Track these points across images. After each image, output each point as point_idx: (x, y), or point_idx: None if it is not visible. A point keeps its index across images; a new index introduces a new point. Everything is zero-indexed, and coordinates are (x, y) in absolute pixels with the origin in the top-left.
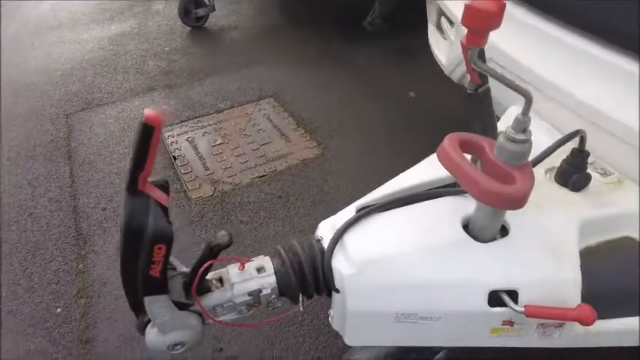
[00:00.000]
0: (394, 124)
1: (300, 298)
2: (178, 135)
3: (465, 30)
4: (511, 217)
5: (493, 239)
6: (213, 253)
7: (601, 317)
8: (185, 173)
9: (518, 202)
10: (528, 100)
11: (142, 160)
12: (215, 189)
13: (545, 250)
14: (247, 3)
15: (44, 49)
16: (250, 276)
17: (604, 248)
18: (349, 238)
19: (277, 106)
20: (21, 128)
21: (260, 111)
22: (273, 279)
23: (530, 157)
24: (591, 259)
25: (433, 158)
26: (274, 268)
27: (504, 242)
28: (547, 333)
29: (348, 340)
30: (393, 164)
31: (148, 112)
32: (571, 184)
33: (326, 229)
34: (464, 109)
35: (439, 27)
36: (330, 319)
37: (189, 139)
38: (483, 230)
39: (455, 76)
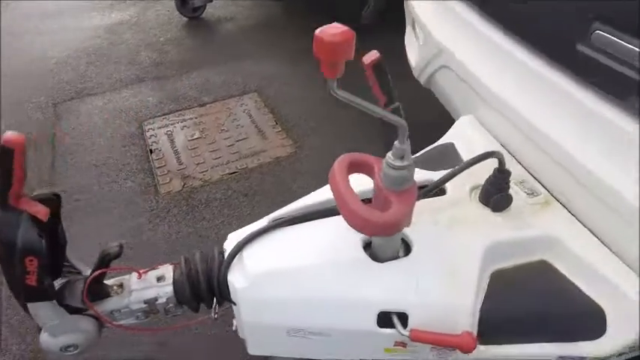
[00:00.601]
0: (370, 125)
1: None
2: (159, 128)
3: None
4: (418, 236)
5: (395, 258)
6: (104, 263)
7: (507, 342)
8: (159, 167)
9: (385, 229)
10: (403, 130)
11: (8, 179)
12: (184, 184)
13: (441, 274)
14: None
15: (43, 37)
16: (149, 284)
17: (517, 271)
18: (249, 251)
19: (259, 101)
20: (10, 116)
21: (242, 106)
22: (170, 288)
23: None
24: (502, 281)
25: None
26: (174, 277)
27: (401, 263)
28: (442, 356)
29: (250, 349)
30: None
31: (8, 135)
32: (491, 205)
33: (233, 241)
34: (438, 113)
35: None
36: (233, 327)
37: (169, 132)
38: (382, 249)
39: (422, 80)
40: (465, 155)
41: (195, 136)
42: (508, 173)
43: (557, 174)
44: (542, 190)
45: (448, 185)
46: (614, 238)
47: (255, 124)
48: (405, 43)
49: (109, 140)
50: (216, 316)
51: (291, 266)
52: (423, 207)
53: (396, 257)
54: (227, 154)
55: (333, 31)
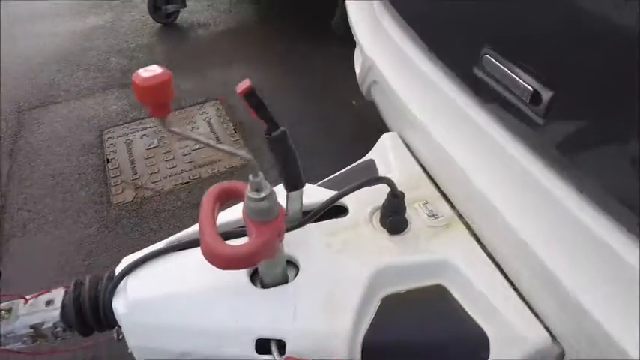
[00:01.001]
0: (331, 133)
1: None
2: (118, 137)
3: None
4: (306, 260)
5: (282, 283)
6: None
7: None
8: (113, 177)
9: (233, 264)
10: (252, 164)
11: None
12: (136, 195)
13: (321, 299)
14: None
15: (19, 42)
16: (37, 309)
17: (410, 296)
18: (135, 276)
19: (221, 109)
20: None
21: (202, 114)
22: (57, 313)
23: None
24: (392, 306)
25: None
26: (62, 301)
27: (284, 288)
28: None
29: None
30: (320, 177)
31: None
32: (387, 227)
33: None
34: None
35: None
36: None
37: (128, 141)
38: (265, 275)
39: (363, 91)
40: (383, 172)
41: (152, 145)
42: (401, 197)
43: (465, 198)
44: (447, 211)
45: (350, 206)
46: (510, 265)
47: (213, 133)
48: (355, 54)
49: (68, 150)
50: (120, 337)
51: (174, 292)
52: (321, 229)
53: (286, 282)
54: (182, 163)
55: (147, 74)
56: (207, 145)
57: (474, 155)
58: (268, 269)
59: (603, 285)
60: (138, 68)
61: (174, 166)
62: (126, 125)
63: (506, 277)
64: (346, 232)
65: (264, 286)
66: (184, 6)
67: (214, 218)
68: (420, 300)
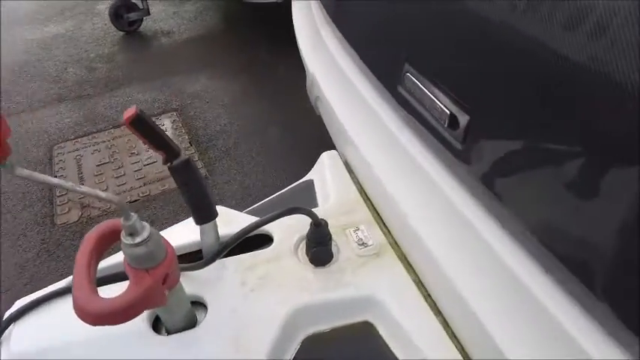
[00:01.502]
0: (297, 140)
1: None
2: (68, 152)
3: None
4: (216, 301)
5: (189, 327)
6: None
7: None
8: (59, 196)
9: (105, 320)
10: (121, 207)
11: None
12: (82, 214)
13: (228, 344)
14: (190, 5)
15: None
16: None
17: (334, 335)
18: (23, 323)
19: (177, 121)
20: None
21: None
22: None
23: None
24: (314, 348)
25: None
26: None
27: (190, 334)
28: None
29: None
30: (286, 184)
31: None
32: (310, 259)
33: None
34: None
35: None
36: None
37: (78, 157)
38: (167, 320)
39: (313, 104)
40: (320, 194)
41: (103, 161)
42: (324, 226)
43: (395, 222)
44: (378, 238)
45: (275, 235)
46: (435, 293)
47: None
48: None
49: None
50: None
51: (65, 343)
52: (237, 263)
53: (193, 326)
54: (132, 180)
55: None
56: (67, 189)
57: (402, 179)
58: (168, 316)
59: (520, 324)
60: (95, 79)
61: (124, 183)
62: (78, 140)
63: (433, 304)
64: (266, 266)
65: (168, 332)
66: (148, 14)
67: (91, 265)
68: (345, 339)
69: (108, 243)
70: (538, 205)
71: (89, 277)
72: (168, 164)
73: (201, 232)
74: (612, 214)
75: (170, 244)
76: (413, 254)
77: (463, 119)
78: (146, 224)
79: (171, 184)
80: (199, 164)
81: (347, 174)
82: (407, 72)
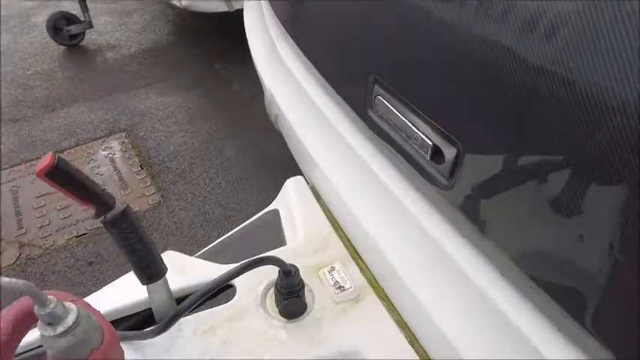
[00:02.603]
0: (258, 158)
1: None
2: (3, 183)
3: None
4: None
5: None
6: None
7: None
8: None
9: None
10: (33, 294)
11: None
12: (20, 254)
13: None
14: (137, 16)
15: None
16: None
17: None
18: None
19: (127, 143)
20: None
21: (105, 150)
22: None
23: None
24: None
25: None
26: None
27: None
28: None
29: None
30: (237, 219)
31: None
32: (280, 312)
33: None
34: None
35: None
36: None
37: (14, 188)
38: None
39: (273, 122)
40: (287, 227)
41: (44, 192)
42: (295, 273)
43: (372, 259)
44: (356, 278)
45: (238, 285)
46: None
47: (117, 171)
48: None
49: None
50: None
51: None
52: (196, 323)
53: None
54: (78, 211)
55: None
56: None
57: (377, 212)
58: None
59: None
60: (33, 99)
61: (69, 215)
62: (13, 168)
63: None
64: (230, 326)
65: None
66: (91, 27)
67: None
68: None
69: (26, 327)
70: (533, 248)
71: None
72: (102, 218)
73: (149, 292)
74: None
75: (108, 323)
76: (394, 294)
77: (450, 152)
78: (71, 306)
79: None
80: (152, 189)
81: (315, 202)
82: (378, 95)
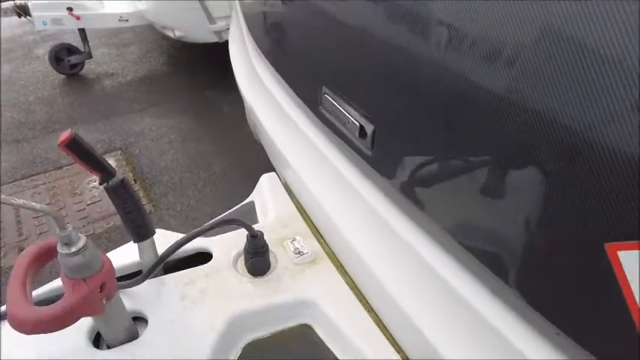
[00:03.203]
0: (243, 172)
1: None
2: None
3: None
4: (155, 315)
5: (129, 341)
6: None
7: None
8: None
9: (41, 327)
10: (56, 218)
11: None
12: None
13: (170, 354)
14: (134, 47)
15: None
16: None
17: (275, 339)
18: None
19: (121, 159)
20: None
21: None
22: None
23: None
24: (254, 353)
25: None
26: None
27: (130, 347)
28: None
29: None
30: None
31: None
32: (248, 269)
33: None
34: None
35: None
36: None
37: None
38: (107, 335)
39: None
40: (260, 213)
41: (44, 203)
42: (260, 236)
43: (328, 232)
44: (314, 247)
45: (214, 252)
46: (369, 295)
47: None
48: None
49: None
50: None
51: None
52: (177, 279)
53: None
54: (75, 219)
55: None
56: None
57: (332, 192)
58: (108, 329)
59: (444, 317)
60: (34, 122)
61: (67, 223)
62: (15, 183)
63: (367, 304)
64: (206, 280)
65: (109, 346)
66: (90, 57)
67: (25, 280)
68: (285, 343)
69: (44, 260)
70: (443, 202)
71: (24, 291)
72: (104, 184)
73: (140, 251)
74: (506, 206)
75: (107, 256)
76: (346, 260)
77: (370, 129)
78: (82, 235)
79: (116, 221)
80: (144, 200)
81: (285, 193)
82: (325, 93)
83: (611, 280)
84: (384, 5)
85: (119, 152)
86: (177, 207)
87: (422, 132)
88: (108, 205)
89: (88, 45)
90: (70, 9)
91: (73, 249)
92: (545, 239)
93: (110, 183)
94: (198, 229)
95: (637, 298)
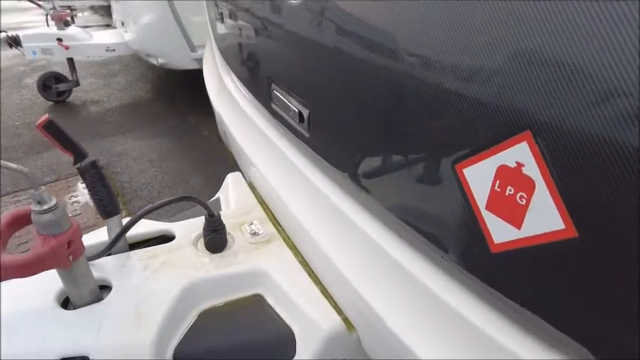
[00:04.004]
0: (212, 194)
1: None
2: None
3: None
4: (119, 281)
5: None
6: None
7: None
8: None
9: (14, 271)
10: (31, 178)
11: None
12: None
13: (128, 315)
14: (120, 77)
15: None
16: None
17: (229, 307)
18: None
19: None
20: None
21: (82, 183)
22: None
23: None
24: (209, 319)
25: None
26: None
27: (93, 308)
28: None
29: None
30: None
31: None
32: (206, 246)
33: None
34: None
35: None
36: None
37: None
38: (74, 297)
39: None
40: (225, 207)
41: None
42: (217, 217)
43: (282, 215)
44: (269, 229)
45: (177, 233)
46: (316, 267)
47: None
48: None
49: None
50: None
51: None
52: (141, 254)
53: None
54: None
55: None
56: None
57: (286, 180)
58: (75, 290)
59: (381, 282)
60: (19, 144)
61: None
62: None
63: (315, 278)
64: (167, 255)
65: (75, 307)
66: (77, 85)
67: (2, 238)
68: (237, 310)
69: (19, 224)
70: (368, 172)
71: (2, 244)
72: (77, 165)
73: (108, 228)
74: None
75: (75, 222)
76: (298, 240)
77: (306, 113)
78: (53, 197)
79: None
80: (124, 212)
81: (247, 188)
82: (273, 89)
83: (465, 194)
84: (309, 17)
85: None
86: (154, 218)
87: (343, 113)
88: (88, 217)
89: (76, 73)
90: (59, 39)
91: (45, 207)
92: (421, 175)
93: (82, 164)
94: (158, 202)
95: (478, 202)
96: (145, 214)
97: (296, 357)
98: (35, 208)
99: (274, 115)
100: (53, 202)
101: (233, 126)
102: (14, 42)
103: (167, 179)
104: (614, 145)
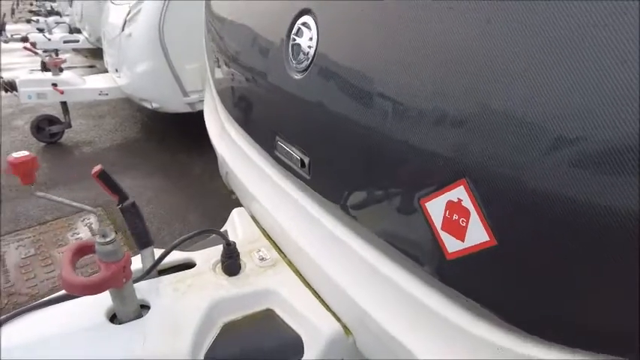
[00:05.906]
0: (214, 223)
1: None
2: None
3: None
4: (156, 301)
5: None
6: None
7: None
8: None
9: (86, 290)
10: (98, 217)
11: None
12: (8, 301)
13: (166, 329)
14: (110, 118)
15: None
16: None
17: (246, 320)
18: (8, 328)
19: (103, 215)
20: None
21: (84, 220)
22: None
23: None
24: (231, 330)
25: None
26: None
27: (137, 323)
28: None
29: None
30: None
31: None
32: (223, 270)
33: None
34: None
35: None
36: None
37: (2, 253)
38: (120, 313)
39: (224, 180)
40: (232, 237)
41: (29, 254)
42: (233, 245)
43: (285, 243)
44: (274, 255)
45: (198, 261)
46: (316, 284)
47: (95, 235)
48: None
49: None
50: None
51: (45, 337)
52: (170, 279)
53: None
54: (60, 266)
55: (17, 156)
56: (69, 205)
57: (288, 215)
58: (122, 305)
59: (372, 292)
60: (14, 185)
61: (53, 270)
62: None
63: (315, 293)
64: (192, 279)
65: (122, 323)
66: (69, 126)
67: (73, 262)
68: (253, 322)
69: (82, 253)
70: (362, 206)
71: (73, 269)
72: (119, 205)
73: (142, 257)
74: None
75: (127, 250)
76: (299, 262)
77: (307, 160)
78: (113, 232)
79: None
80: (125, 248)
81: (251, 221)
82: (278, 141)
83: (427, 220)
84: (309, 86)
85: (100, 209)
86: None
87: (338, 161)
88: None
89: (69, 116)
90: (54, 84)
91: (107, 239)
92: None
93: (124, 204)
94: (185, 236)
95: (436, 225)
96: (179, 244)
97: (304, 358)
98: (100, 240)
99: (277, 160)
100: (112, 235)
101: (235, 168)
102: (10, 87)
103: (165, 216)
104: (514, 188)
